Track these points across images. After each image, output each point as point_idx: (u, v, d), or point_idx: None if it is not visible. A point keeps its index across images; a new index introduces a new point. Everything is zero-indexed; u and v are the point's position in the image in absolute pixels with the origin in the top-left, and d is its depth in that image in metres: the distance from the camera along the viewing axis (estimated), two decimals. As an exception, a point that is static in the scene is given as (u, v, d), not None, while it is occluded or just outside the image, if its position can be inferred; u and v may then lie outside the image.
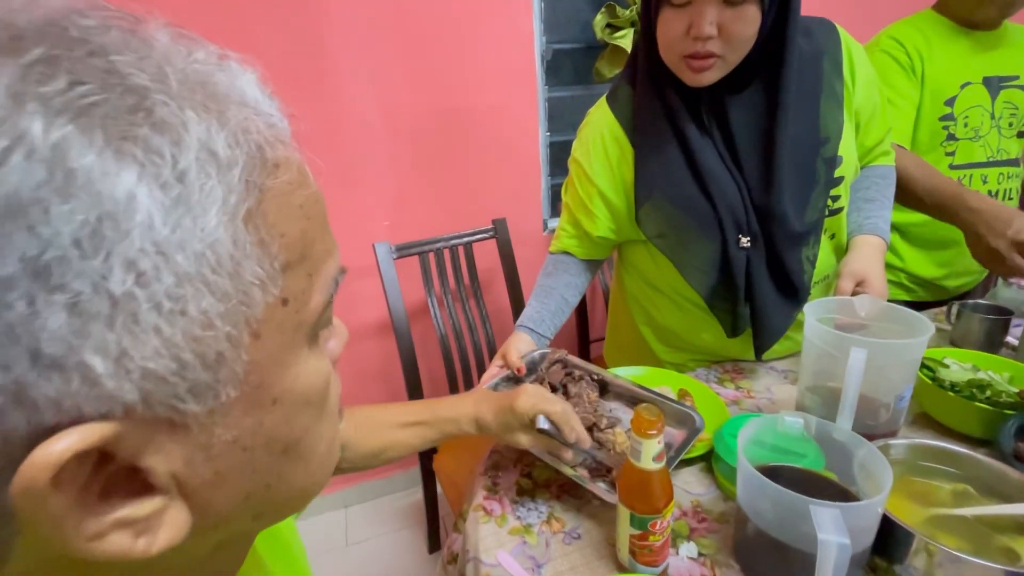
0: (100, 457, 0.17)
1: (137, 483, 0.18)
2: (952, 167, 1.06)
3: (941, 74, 1.03)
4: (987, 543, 0.50)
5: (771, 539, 0.50)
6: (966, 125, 1.04)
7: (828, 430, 0.56)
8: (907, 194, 0.98)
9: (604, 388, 0.81)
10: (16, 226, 0.14)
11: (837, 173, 0.80)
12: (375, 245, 1.23)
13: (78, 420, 0.16)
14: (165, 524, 0.19)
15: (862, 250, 0.82)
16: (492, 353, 1.35)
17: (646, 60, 0.80)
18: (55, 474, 0.15)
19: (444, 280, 1.35)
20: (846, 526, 0.43)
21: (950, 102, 1.03)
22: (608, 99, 0.88)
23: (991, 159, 1.06)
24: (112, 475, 0.18)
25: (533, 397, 0.60)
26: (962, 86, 1.03)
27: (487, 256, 1.43)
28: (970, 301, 0.95)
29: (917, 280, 1.18)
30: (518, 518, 0.64)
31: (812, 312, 0.67)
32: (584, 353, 1.59)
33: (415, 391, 1.28)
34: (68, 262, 0.15)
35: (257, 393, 0.21)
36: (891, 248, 1.14)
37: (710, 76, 0.73)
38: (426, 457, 1.31)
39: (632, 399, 0.79)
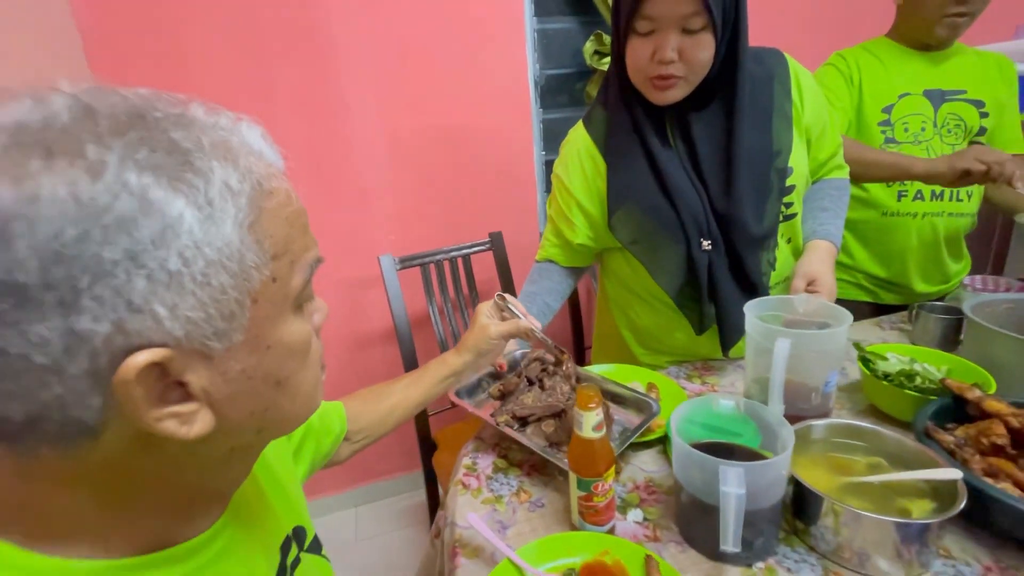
0: (160, 372, 0.27)
1: (182, 393, 0.29)
2: None
3: (880, 85, 1.14)
4: (888, 504, 0.57)
5: (698, 501, 0.58)
6: (906, 131, 1.14)
7: (758, 410, 0.64)
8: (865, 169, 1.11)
9: (577, 381, 0.89)
10: (121, 233, 0.25)
11: (789, 182, 0.89)
12: (380, 257, 1.35)
13: (149, 346, 0.26)
14: (198, 420, 0.29)
15: (814, 254, 0.90)
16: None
17: (617, 83, 0.89)
18: (137, 373, 0.26)
19: (444, 290, 1.46)
20: (749, 482, 0.51)
21: (887, 109, 1.13)
22: (584, 121, 0.98)
23: None
24: (168, 386, 0.28)
25: (485, 315, 0.79)
26: (900, 96, 1.13)
27: (485, 267, 1.53)
28: (928, 303, 1.01)
29: (874, 280, 1.24)
30: (491, 491, 0.73)
31: (752, 310, 0.75)
32: (579, 358, 1.67)
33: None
34: (148, 252, 0.25)
35: (257, 340, 0.31)
36: (843, 247, 1.22)
37: (674, 95, 0.82)
38: (427, 458, 1.40)
39: (602, 390, 0.88)
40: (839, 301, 0.80)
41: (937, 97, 1.13)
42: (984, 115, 1.14)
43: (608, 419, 0.75)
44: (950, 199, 1.16)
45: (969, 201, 1.18)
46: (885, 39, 1.19)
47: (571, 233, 0.98)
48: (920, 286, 1.22)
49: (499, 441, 0.83)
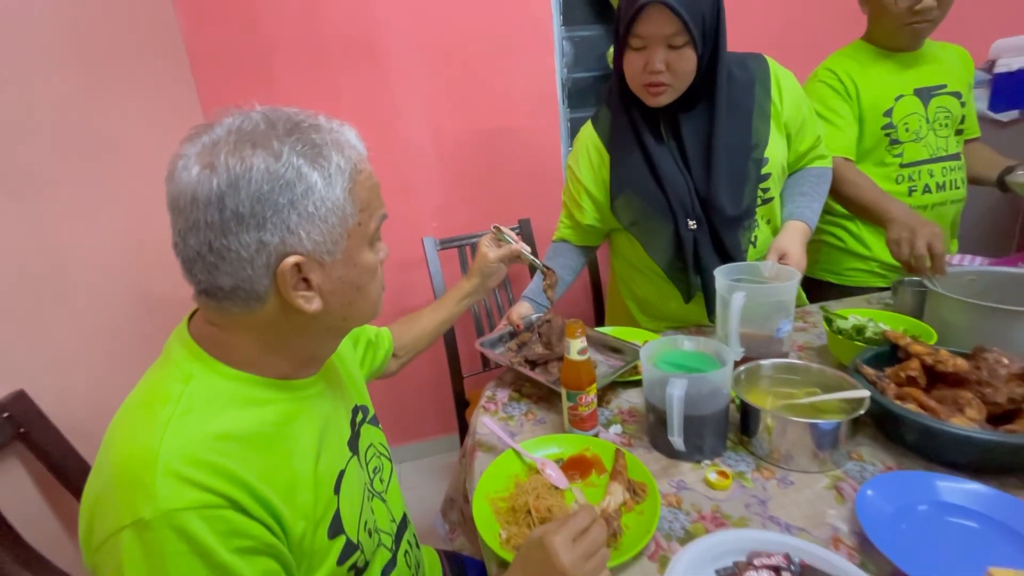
0: (298, 270, 0.48)
1: (307, 285, 0.50)
2: (902, 166, 1.24)
3: (875, 91, 1.22)
4: (813, 417, 0.72)
5: (659, 412, 0.74)
6: (907, 130, 1.22)
7: (717, 348, 0.80)
8: (847, 202, 1.21)
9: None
10: (287, 189, 0.45)
11: (764, 171, 1.03)
12: (423, 239, 1.57)
13: (294, 253, 0.47)
14: (315, 302, 0.50)
15: (788, 232, 1.04)
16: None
17: (618, 89, 1.07)
18: (289, 267, 0.47)
19: (479, 269, 1.66)
20: (692, 391, 0.68)
21: (888, 113, 1.22)
22: (592, 120, 1.16)
23: (934, 156, 1.23)
24: (300, 279, 0.49)
25: (485, 244, 0.95)
26: (896, 98, 1.21)
27: (515, 250, 1.73)
28: (907, 279, 1.12)
29: (888, 267, 1.34)
30: (506, 412, 0.92)
31: (723, 274, 0.90)
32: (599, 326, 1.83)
33: (454, 360, 1.59)
34: (299, 200, 0.46)
35: (349, 259, 0.52)
36: (860, 240, 1.32)
37: (664, 99, 0.99)
38: (462, 413, 1.61)
39: (604, 345, 1.05)
40: (856, 289, 0.92)
41: (925, 94, 1.23)
42: (963, 105, 1.23)
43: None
44: (951, 188, 1.26)
45: (963, 187, 1.27)
46: (863, 43, 1.27)
47: (581, 216, 1.16)
48: None
49: (514, 381, 1.02)
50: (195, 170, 0.45)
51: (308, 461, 0.54)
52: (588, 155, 1.13)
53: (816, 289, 1.36)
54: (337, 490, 0.57)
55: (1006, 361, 0.72)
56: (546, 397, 0.95)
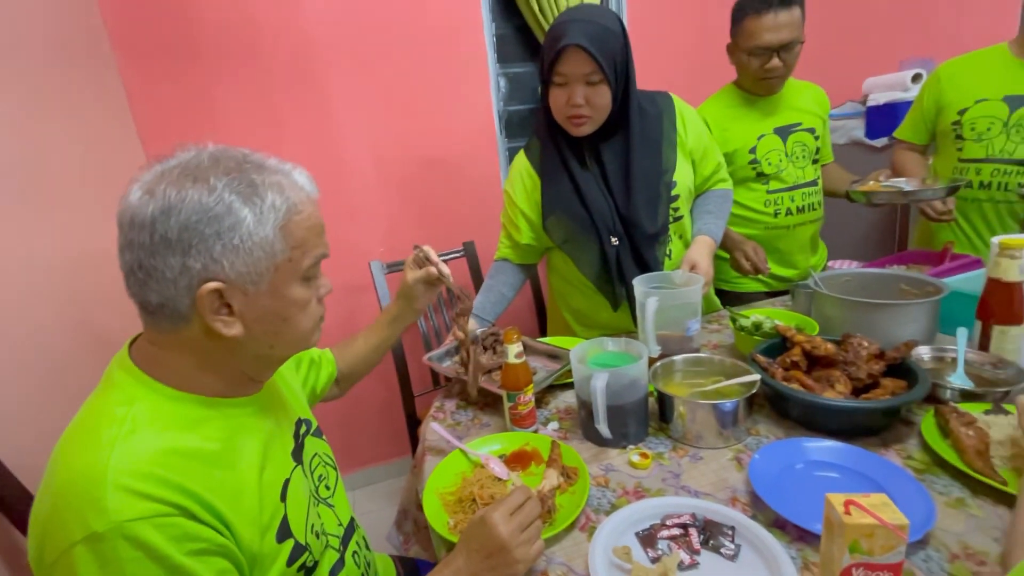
0: (218, 295, 0.53)
1: (228, 310, 0.54)
2: (769, 192, 1.45)
3: (742, 132, 1.43)
4: (717, 400, 0.84)
5: (588, 405, 0.84)
6: (769, 164, 1.43)
7: (637, 347, 0.91)
8: None
9: (525, 348, 1.16)
10: (215, 221, 0.51)
11: (674, 192, 1.18)
12: (371, 263, 1.62)
13: (215, 279, 0.52)
14: (234, 327, 0.54)
15: (697, 245, 1.18)
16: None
17: (545, 121, 1.19)
18: (208, 292, 0.52)
19: (426, 291, 1.73)
20: (613, 382, 0.78)
21: (753, 150, 1.43)
22: (525, 149, 1.28)
23: (794, 184, 1.44)
24: (221, 304, 0.54)
25: (407, 266, 0.94)
26: (759, 137, 1.43)
27: (460, 272, 1.81)
28: (802, 283, 1.29)
29: (771, 276, 1.52)
30: (455, 420, 0.99)
31: (640, 283, 1.03)
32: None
33: (404, 380, 1.64)
34: (225, 232, 0.51)
35: (274, 291, 0.56)
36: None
37: (586, 129, 1.11)
38: (413, 431, 1.65)
39: (545, 353, 1.15)
40: (752, 294, 1.07)
41: (784, 132, 1.44)
42: (817, 138, 1.46)
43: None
44: (809, 211, 1.47)
45: (820, 208, 1.49)
46: (733, 87, 1.49)
47: (518, 236, 1.26)
48: (798, 274, 1.52)
49: (461, 391, 1.09)
50: (138, 194, 0.51)
51: (253, 471, 0.58)
52: (522, 180, 1.25)
53: (720, 297, 1.53)
54: (283, 497, 0.61)
55: (866, 344, 0.87)
56: (491, 404, 1.03)
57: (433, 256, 0.93)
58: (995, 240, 0.87)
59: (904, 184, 1.25)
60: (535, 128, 1.27)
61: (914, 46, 2.31)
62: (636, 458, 0.79)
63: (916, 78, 1.96)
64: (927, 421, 0.77)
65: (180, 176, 0.52)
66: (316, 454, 0.73)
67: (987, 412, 0.77)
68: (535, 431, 0.90)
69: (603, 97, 1.07)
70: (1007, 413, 0.75)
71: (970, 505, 0.64)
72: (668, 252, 1.21)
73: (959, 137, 1.40)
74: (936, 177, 1.38)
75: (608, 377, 0.78)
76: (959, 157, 1.41)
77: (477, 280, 1.78)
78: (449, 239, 1.86)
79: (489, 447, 0.84)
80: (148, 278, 0.51)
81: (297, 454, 0.68)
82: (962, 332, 0.90)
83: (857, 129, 2.12)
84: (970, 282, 1.04)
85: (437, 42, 1.84)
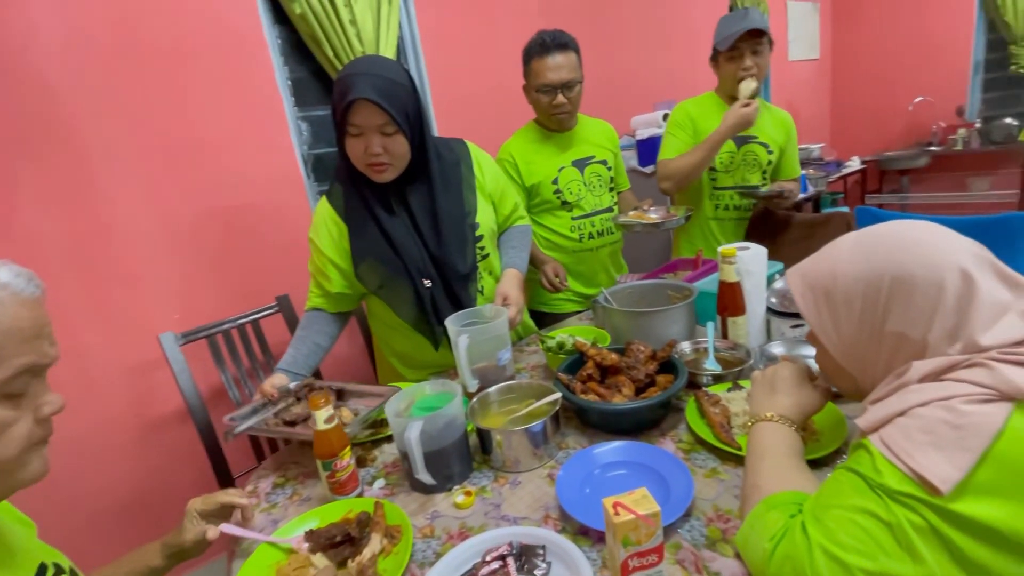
0: None
1: None
2: (573, 219, 1.65)
3: (544, 165, 1.62)
4: (528, 423, 0.90)
5: (408, 457, 0.84)
6: (571, 193, 1.64)
7: (454, 386, 0.93)
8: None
9: (342, 394, 1.11)
10: None
11: (478, 233, 1.25)
12: (160, 336, 1.40)
13: None
14: None
15: (507, 279, 1.27)
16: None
17: (345, 167, 1.16)
18: None
19: (237, 359, 1.54)
20: (430, 428, 0.79)
21: (555, 181, 1.62)
22: (326, 195, 1.23)
23: (593, 211, 1.67)
24: None
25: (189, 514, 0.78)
26: (559, 169, 1.63)
27: (278, 329, 1.66)
28: (595, 299, 1.46)
29: (579, 295, 1.71)
30: (270, 502, 0.90)
31: (453, 321, 1.06)
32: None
33: (221, 468, 1.43)
34: None
35: None
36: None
37: (388, 175, 1.12)
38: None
39: (362, 395, 1.11)
40: (567, 313, 1.21)
41: (581, 164, 1.66)
42: (609, 169, 1.71)
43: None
44: (608, 234, 1.69)
45: (618, 232, 1.73)
46: (534, 124, 1.68)
47: (329, 285, 1.21)
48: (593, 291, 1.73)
49: (279, 467, 1.00)
50: None
51: None
52: (327, 228, 1.20)
53: (538, 319, 1.67)
54: None
55: (643, 348, 1.03)
56: (313, 472, 0.96)
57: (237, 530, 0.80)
58: (719, 249, 1.11)
59: (653, 213, 1.52)
60: (336, 174, 1.24)
61: (662, 91, 2.84)
62: (460, 498, 0.81)
63: (666, 116, 2.40)
64: (690, 407, 0.93)
65: None
66: None
67: (729, 390, 0.96)
68: (360, 494, 0.86)
69: (400, 146, 1.09)
70: (742, 388, 0.95)
71: (720, 472, 0.79)
72: (480, 288, 1.28)
73: (712, 170, 1.72)
74: (677, 207, 1.65)
75: (423, 424, 0.79)
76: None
77: (297, 336, 1.66)
78: (261, 294, 1.70)
79: (305, 526, 0.77)
80: None
81: None
82: (710, 325, 1.12)
83: (632, 159, 2.51)
84: (712, 283, 1.29)
85: (223, 86, 1.70)
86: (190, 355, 1.43)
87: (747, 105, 1.50)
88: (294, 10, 1.76)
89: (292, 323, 1.65)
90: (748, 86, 1.54)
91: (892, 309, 0.56)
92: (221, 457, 1.43)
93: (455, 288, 1.20)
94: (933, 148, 4.27)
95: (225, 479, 1.43)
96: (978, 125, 4.11)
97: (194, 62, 1.65)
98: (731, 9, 3.55)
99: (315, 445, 0.81)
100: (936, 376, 0.53)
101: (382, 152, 1.07)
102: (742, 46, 1.55)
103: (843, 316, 0.60)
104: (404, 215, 1.19)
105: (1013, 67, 3.99)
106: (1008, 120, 3.89)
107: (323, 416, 0.80)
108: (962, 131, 4.14)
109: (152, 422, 1.64)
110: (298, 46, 1.88)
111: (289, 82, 1.88)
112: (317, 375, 1.45)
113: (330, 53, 1.84)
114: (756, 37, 1.53)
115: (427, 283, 1.18)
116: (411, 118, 1.10)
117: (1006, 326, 0.52)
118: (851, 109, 4.89)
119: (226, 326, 1.52)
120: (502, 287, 1.23)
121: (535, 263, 1.58)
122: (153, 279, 1.62)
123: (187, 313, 1.67)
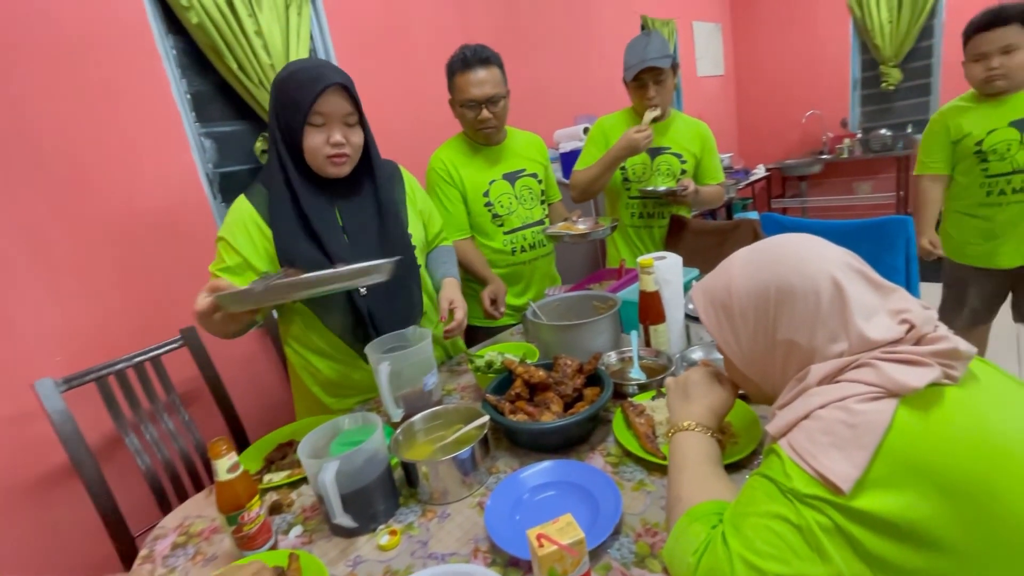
0: None
1: None
2: (505, 233, 1.64)
3: (475, 178, 1.60)
4: (458, 450, 0.87)
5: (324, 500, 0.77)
6: (502, 206, 1.63)
7: (373, 418, 0.88)
8: (465, 270, 1.55)
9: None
10: None
11: (413, 242, 1.22)
12: (35, 384, 1.23)
13: None
14: None
15: (448, 287, 1.27)
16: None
17: (281, 172, 1.08)
18: None
19: (135, 401, 1.38)
20: (347, 467, 0.73)
21: (486, 194, 1.61)
22: (246, 195, 1.13)
23: (525, 224, 1.67)
24: None
25: None
26: (490, 183, 1.62)
27: (184, 366, 1.51)
28: (524, 314, 1.46)
29: (511, 308, 1.71)
30: (169, 566, 0.80)
31: (373, 349, 1.01)
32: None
33: (119, 529, 1.26)
34: None
35: None
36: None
37: (346, 169, 1.10)
38: None
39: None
40: (502, 327, 1.26)
41: (511, 177, 1.66)
42: (540, 182, 1.72)
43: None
44: (540, 247, 1.70)
45: (550, 244, 1.74)
46: (463, 136, 1.66)
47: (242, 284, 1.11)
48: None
49: (181, 523, 0.90)
50: None
51: None
52: (247, 228, 1.10)
53: (472, 333, 1.65)
54: None
55: (570, 362, 1.02)
56: (215, 530, 0.86)
57: None
58: (638, 260, 1.13)
59: (581, 224, 1.55)
60: (263, 180, 1.14)
61: (583, 105, 2.92)
62: (385, 539, 0.76)
63: (586, 130, 2.47)
64: (617, 419, 0.93)
65: None
66: None
67: (654, 398, 0.97)
68: (273, 545, 0.78)
69: (359, 138, 1.10)
70: (665, 396, 0.97)
71: (648, 484, 0.79)
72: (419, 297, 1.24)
73: (626, 180, 1.80)
74: (604, 218, 1.69)
75: (339, 464, 0.73)
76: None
77: (211, 375, 1.51)
78: (168, 325, 1.54)
79: (207, 591, 0.69)
80: None
81: None
82: (633, 334, 1.14)
83: (557, 171, 2.56)
84: (634, 292, 1.33)
85: (102, 100, 1.54)
86: (78, 401, 1.27)
87: (641, 131, 1.58)
88: (190, 19, 1.63)
89: (200, 357, 1.51)
90: (649, 115, 1.63)
91: (780, 318, 0.59)
92: (118, 515, 1.26)
93: (394, 290, 1.16)
94: (824, 156, 4.72)
95: (123, 539, 1.27)
96: (859, 136, 4.59)
97: (82, 73, 1.48)
98: (643, 28, 3.75)
99: (218, 498, 0.73)
100: (832, 378, 0.56)
101: (345, 142, 1.06)
102: (644, 77, 1.63)
103: (740, 328, 0.63)
104: (336, 218, 1.14)
105: (884, 84, 4.50)
106: (883, 131, 4.38)
107: (226, 465, 0.73)
108: (847, 141, 4.61)
109: (34, 484, 1.43)
110: (197, 57, 1.75)
111: (188, 96, 1.74)
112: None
113: (234, 65, 1.72)
114: (657, 69, 1.61)
115: (363, 290, 1.13)
116: (362, 115, 1.11)
117: (881, 327, 0.56)
118: (755, 120, 5.30)
119: (120, 366, 1.36)
120: (446, 293, 1.25)
121: (478, 281, 1.57)
122: (22, 321, 1.42)
123: (72, 355, 1.48)
